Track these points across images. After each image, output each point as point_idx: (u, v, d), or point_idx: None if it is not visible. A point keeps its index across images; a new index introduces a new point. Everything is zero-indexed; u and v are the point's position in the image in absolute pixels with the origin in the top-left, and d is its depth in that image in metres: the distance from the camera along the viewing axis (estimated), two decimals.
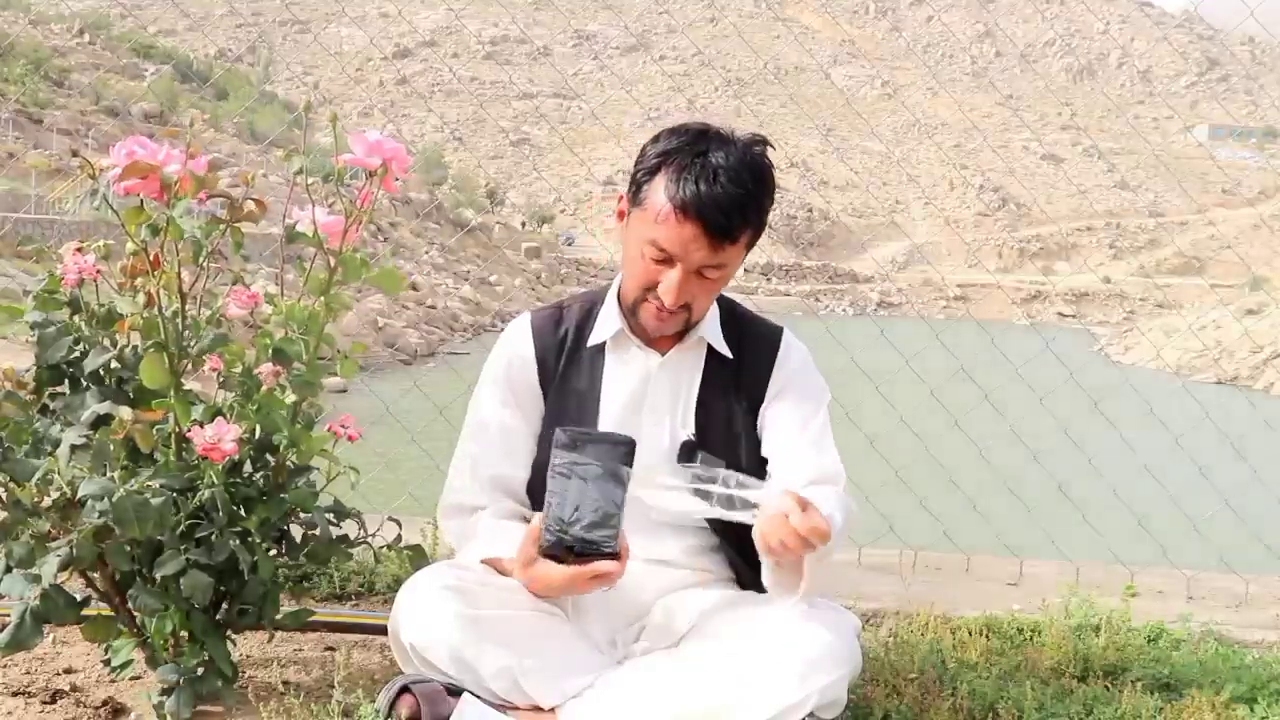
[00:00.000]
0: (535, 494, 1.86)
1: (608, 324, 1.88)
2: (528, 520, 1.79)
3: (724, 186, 1.68)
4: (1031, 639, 2.31)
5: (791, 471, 1.81)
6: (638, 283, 1.78)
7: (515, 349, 1.92)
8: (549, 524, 1.59)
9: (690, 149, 1.71)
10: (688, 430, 1.85)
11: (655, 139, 1.77)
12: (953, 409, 3.85)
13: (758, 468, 1.89)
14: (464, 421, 1.94)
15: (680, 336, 1.87)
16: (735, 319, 1.93)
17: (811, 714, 1.60)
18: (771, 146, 1.79)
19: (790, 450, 1.85)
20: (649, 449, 1.85)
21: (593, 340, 1.88)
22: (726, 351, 1.88)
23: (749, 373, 1.89)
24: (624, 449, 1.60)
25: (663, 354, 1.87)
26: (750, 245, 1.78)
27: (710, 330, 1.88)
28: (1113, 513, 3.84)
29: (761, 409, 1.89)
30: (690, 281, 1.74)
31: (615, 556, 1.59)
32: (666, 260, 1.72)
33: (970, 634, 2.29)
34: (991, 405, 3.94)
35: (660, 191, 1.71)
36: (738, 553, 1.87)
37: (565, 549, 1.59)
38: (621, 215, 1.83)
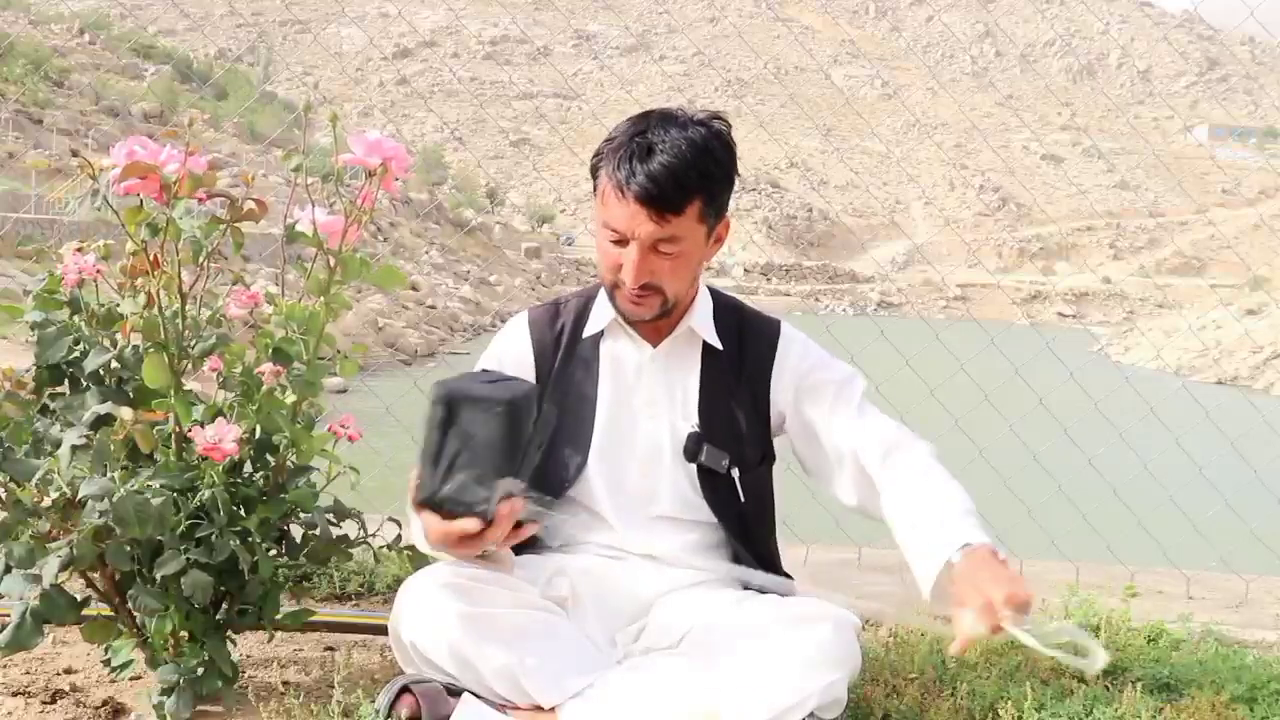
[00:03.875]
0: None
1: (601, 316, 1.89)
2: None
3: (659, 160, 1.69)
4: None
5: (867, 451, 1.80)
6: (605, 267, 1.80)
7: (512, 345, 1.93)
8: (421, 480, 1.57)
9: (631, 130, 1.75)
10: (690, 424, 1.86)
11: (613, 129, 1.80)
12: (953, 409, 3.85)
13: (760, 461, 1.90)
14: None
15: (670, 328, 1.87)
16: (733, 313, 1.93)
17: (812, 714, 1.60)
18: (725, 123, 1.78)
19: (853, 432, 1.83)
20: (647, 442, 1.86)
21: (587, 332, 1.90)
22: (718, 343, 1.88)
23: (750, 366, 1.90)
24: (501, 409, 1.54)
25: (655, 346, 1.88)
26: (707, 217, 1.76)
27: (701, 322, 1.88)
28: (1113, 513, 3.84)
29: (788, 410, 1.89)
30: (648, 259, 1.74)
31: (487, 520, 1.56)
32: (621, 240, 1.74)
33: None
34: (991, 405, 3.94)
35: (605, 168, 1.75)
36: (743, 545, 1.88)
37: (435, 506, 1.57)
38: None
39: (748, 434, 1.88)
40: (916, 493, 1.73)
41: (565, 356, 1.90)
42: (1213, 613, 2.71)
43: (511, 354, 1.91)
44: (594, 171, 1.79)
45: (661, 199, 1.69)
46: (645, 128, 1.74)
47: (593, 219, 1.81)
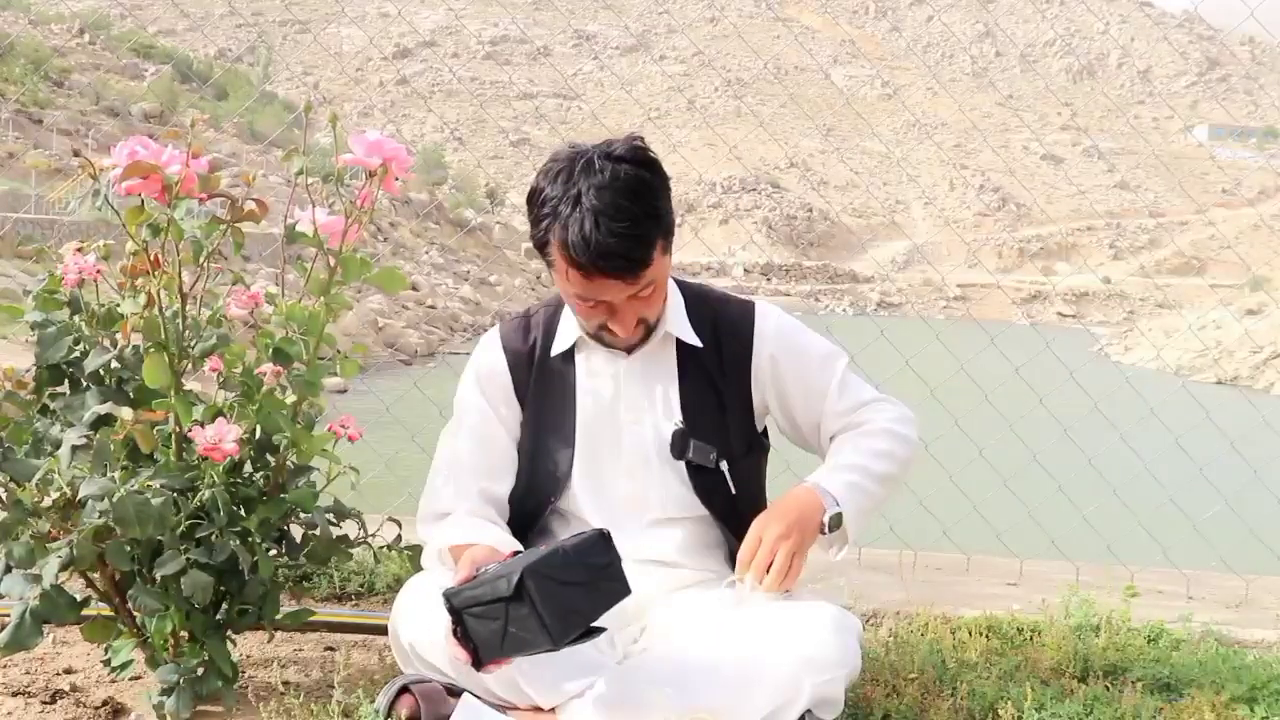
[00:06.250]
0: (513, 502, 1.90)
1: (567, 333, 1.89)
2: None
3: (608, 228, 1.64)
4: (1031, 639, 2.31)
5: (825, 435, 1.91)
6: (587, 323, 1.81)
7: (487, 362, 1.93)
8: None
9: (564, 193, 1.68)
10: (674, 421, 1.86)
11: (537, 178, 1.74)
12: (953, 409, 3.85)
13: (748, 451, 1.91)
14: (441, 435, 1.95)
15: (645, 338, 1.87)
16: (705, 304, 1.92)
17: (809, 712, 1.60)
18: (642, 141, 1.74)
19: (821, 418, 1.90)
20: (633, 446, 1.86)
21: (556, 350, 1.89)
22: (695, 340, 1.87)
23: (729, 357, 1.89)
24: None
25: (629, 353, 1.87)
26: (667, 246, 1.74)
27: (675, 323, 1.87)
28: (1113, 513, 3.84)
29: (768, 398, 1.90)
30: (631, 307, 1.75)
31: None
32: (598, 306, 1.74)
33: (970, 634, 2.28)
34: (991, 405, 3.94)
35: (556, 250, 1.70)
36: (737, 537, 1.87)
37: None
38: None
39: (732, 425, 1.89)
40: (834, 447, 1.88)
41: (540, 370, 1.90)
42: (1213, 613, 2.71)
43: (488, 371, 1.92)
44: (541, 247, 1.74)
45: (629, 265, 1.68)
46: (576, 189, 1.66)
47: None
